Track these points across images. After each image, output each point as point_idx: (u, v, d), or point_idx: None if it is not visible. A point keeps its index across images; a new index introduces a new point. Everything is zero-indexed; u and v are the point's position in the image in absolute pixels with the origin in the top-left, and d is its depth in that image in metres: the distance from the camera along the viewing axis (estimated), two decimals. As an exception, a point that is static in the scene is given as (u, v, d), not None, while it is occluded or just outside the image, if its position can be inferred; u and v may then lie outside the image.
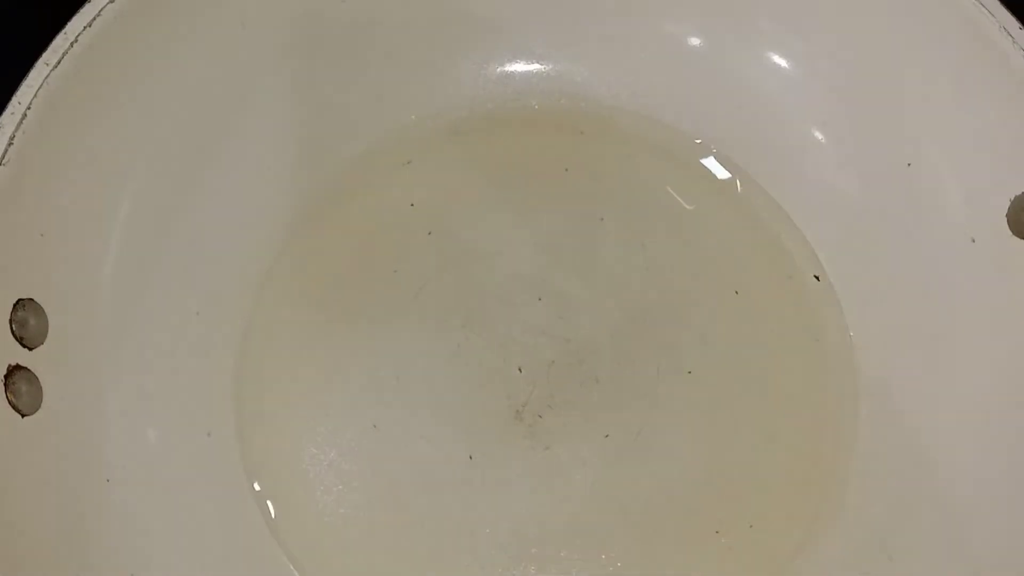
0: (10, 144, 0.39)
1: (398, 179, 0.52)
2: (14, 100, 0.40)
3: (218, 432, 0.47)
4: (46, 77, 0.41)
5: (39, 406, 0.40)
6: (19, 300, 0.40)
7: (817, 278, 0.50)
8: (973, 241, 0.45)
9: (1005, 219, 0.43)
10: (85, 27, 0.42)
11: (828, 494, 0.46)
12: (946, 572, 0.42)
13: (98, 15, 0.42)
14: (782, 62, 0.51)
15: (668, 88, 0.53)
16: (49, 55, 0.41)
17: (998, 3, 0.42)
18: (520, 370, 0.48)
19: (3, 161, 0.39)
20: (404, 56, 0.52)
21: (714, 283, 0.50)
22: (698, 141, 0.52)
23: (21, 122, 0.40)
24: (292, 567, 0.45)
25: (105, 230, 0.45)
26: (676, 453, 0.46)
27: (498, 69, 0.53)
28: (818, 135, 0.51)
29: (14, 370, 0.39)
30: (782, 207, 0.51)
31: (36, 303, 0.41)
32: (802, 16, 0.49)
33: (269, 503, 0.46)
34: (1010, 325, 0.43)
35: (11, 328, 0.40)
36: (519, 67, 0.53)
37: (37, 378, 0.40)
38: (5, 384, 0.39)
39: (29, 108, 0.40)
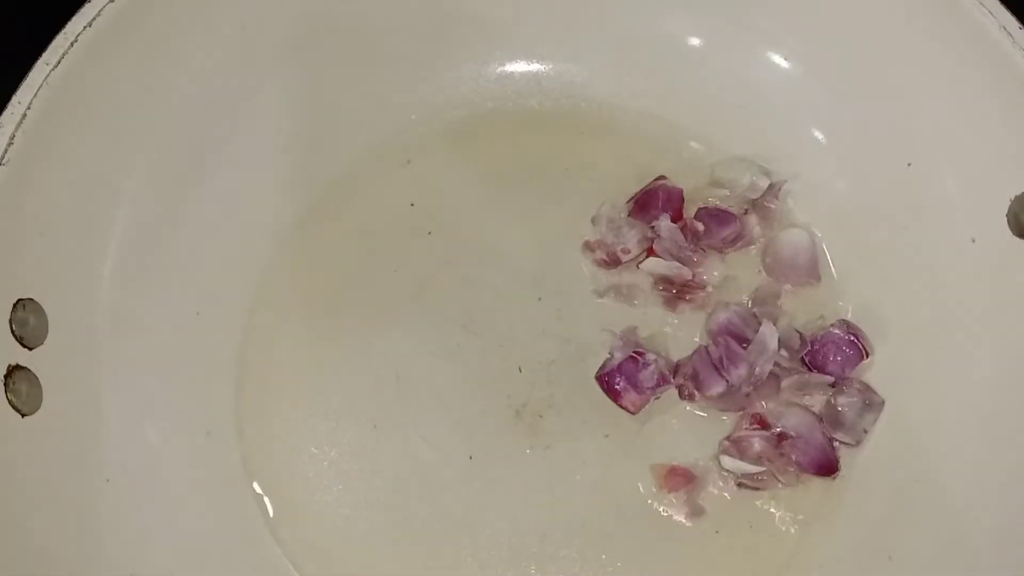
0: (10, 144, 0.39)
1: (398, 179, 0.52)
2: (14, 100, 0.40)
3: (218, 432, 0.47)
4: (46, 77, 0.41)
5: (39, 406, 0.40)
6: (19, 300, 0.40)
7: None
8: (973, 241, 0.45)
9: (1005, 219, 0.43)
10: (85, 27, 0.42)
11: (828, 494, 0.46)
12: (946, 572, 0.42)
13: (98, 15, 0.42)
14: (782, 62, 0.51)
15: (668, 88, 0.52)
16: (49, 55, 0.41)
17: (998, 3, 0.42)
18: (520, 370, 0.48)
19: (3, 161, 0.39)
20: (404, 56, 0.52)
21: (714, 283, 0.50)
22: (698, 141, 0.52)
23: (21, 122, 0.40)
24: (292, 567, 0.45)
25: (105, 230, 0.45)
26: (676, 453, 0.46)
27: (498, 69, 0.53)
28: (818, 135, 0.51)
29: (14, 370, 0.39)
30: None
31: (36, 303, 0.41)
32: (802, 16, 0.49)
33: (269, 503, 0.46)
34: (1010, 324, 0.43)
35: (11, 328, 0.40)
36: (519, 67, 0.53)
37: (37, 378, 0.40)
38: (5, 384, 0.39)
39: (29, 108, 0.40)
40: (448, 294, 0.49)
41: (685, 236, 0.49)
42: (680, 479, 0.45)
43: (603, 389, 0.47)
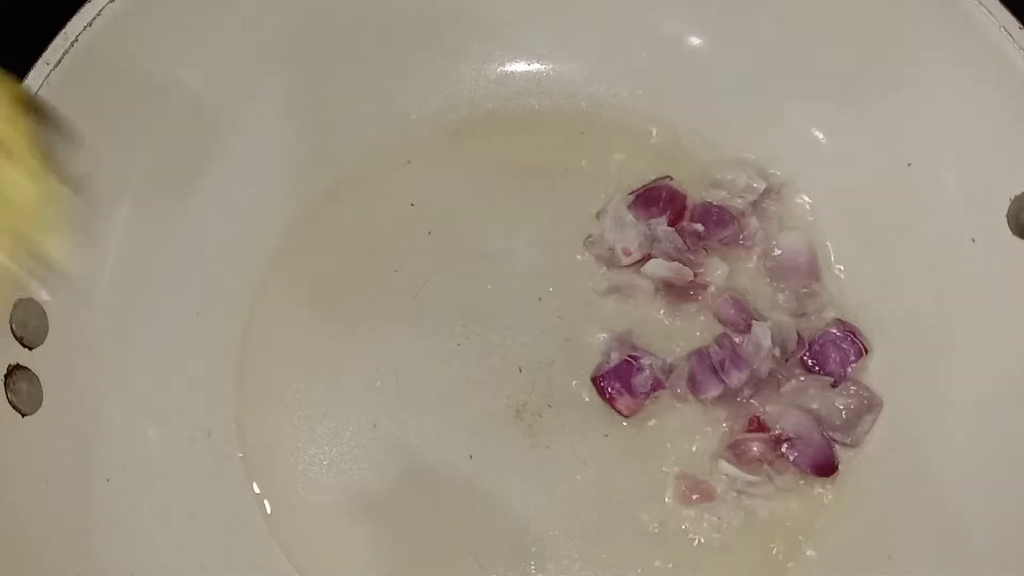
0: (10, 144, 0.39)
1: (398, 179, 0.52)
2: (14, 100, 0.40)
3: (218, 432, 0.47)
4: (46, 77, 0.41)
5: (39, 406, 0.40)
6: (19, 300, 0.40)
7: (817, 278, 0.50)
8: (973, 241, 0.45)
9: (1005, 219, 0.43)
10: (85, 27, 0.42)
11: (828, 494, 0.46)
12: (946, 572, 0.42)
13: (98, 15, 0.42)
14: (782, 62, 0.51)
15: (668, 88, 0.52)
16: (49, 55, 0.41)
17: (998, 3, 0.42)
18: (520, 370, 0.48)
19: (3, 161, 0.39)
20: (404, 56, 0.52)
21: (714, 283, 0.50)
22: (698, 141, 0.52)
23: (21, 122, 0.40)
24: (292, 567, 0.45)
25: (105, 231, 0.45)
26: (676, 452, 0.46)
27: (498, 69, 0.53)
28: (818, 135, 0.51)
29: (14, 370, 0.39)
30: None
31: (36, 303, 0.41)
32: (802, 16, 0.49)
33: (268, 503, 0.46)
34: (1010, 325, 0.43)
35: (11, 328, 0.40)
36: (519, 67, 0.53)
37: (37, 378, 0.40)
38: (5, 384, 0.39)
39: (29, 108, 0.40)
40: (448, 294, 0.49)
41: (683, 238, 0.49)
42: (700, 494, 0.46)
43: (598, 392, 0.47)
